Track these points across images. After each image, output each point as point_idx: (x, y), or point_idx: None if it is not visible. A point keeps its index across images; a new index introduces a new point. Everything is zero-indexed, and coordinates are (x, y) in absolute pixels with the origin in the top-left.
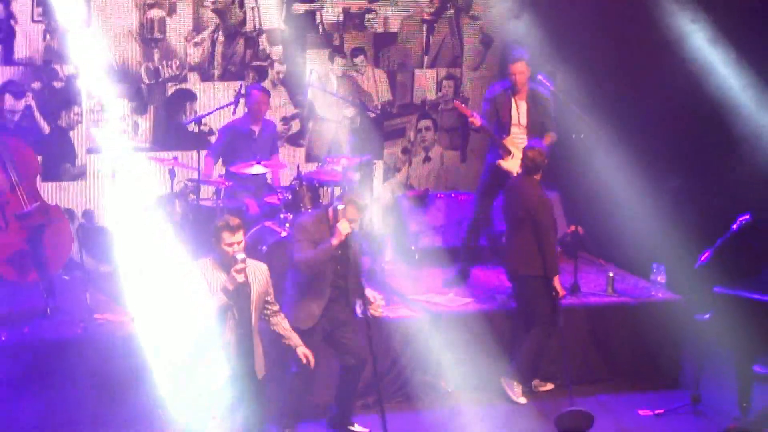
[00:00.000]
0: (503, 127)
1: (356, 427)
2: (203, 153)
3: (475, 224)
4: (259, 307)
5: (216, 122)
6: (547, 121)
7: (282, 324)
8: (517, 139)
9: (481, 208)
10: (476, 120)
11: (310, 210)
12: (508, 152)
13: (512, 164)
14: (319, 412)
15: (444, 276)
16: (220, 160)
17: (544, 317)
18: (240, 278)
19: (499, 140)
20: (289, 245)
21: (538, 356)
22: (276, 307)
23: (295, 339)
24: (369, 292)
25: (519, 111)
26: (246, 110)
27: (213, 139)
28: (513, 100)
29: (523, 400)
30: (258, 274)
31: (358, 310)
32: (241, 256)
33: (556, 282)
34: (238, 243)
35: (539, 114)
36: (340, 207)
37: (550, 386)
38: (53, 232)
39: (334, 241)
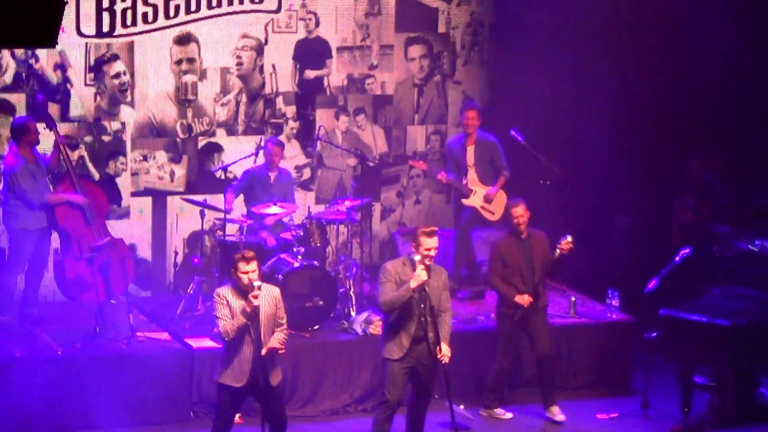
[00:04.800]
0: (461, 169)
1: None
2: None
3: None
4: (269, 324)
5: (239, 170)
6: (498, 163)
7: (278, 336)
8: (472, 176)
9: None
10: (442, 176)
11: (319, 244)
12: (471, 191)
13: (474, 200)
14: None
15: None
16: (243, 202)
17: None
18: (256, 302)
19: (461, 184)
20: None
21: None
22: (282, 323)
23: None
24: (370, 314)
25: (468, 154)
26: (264, 159)
27: None
28: (465, 146)
29: (508, 415)
30: (268, 297)
31: (359, 329)
32: (257, 283)
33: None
34: (252, 272)
35: (486, 156)
36: (417, 258)
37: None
38: (119, 263)
39: (413, 284)
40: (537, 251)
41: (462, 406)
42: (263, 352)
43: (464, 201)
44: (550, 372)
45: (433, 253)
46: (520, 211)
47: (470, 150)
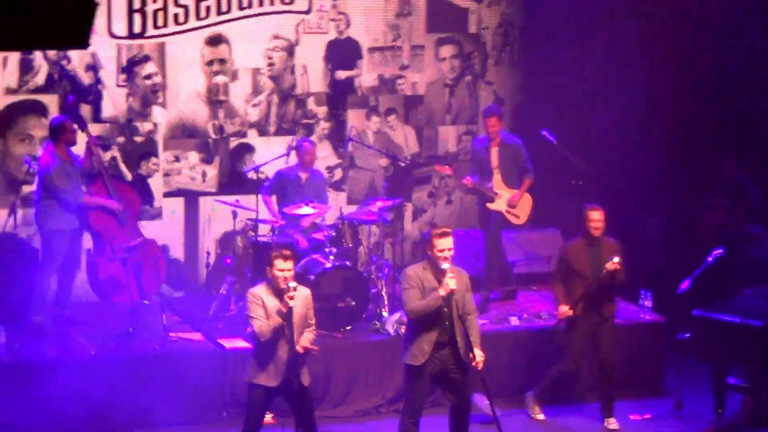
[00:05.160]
0: (485, 171)
1: None
2: (260, 196)
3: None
4: (300, 325)
5: (271, 170)
6: (521, 164)
7: (308, 336)
8: (496, 179)
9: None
10: (468, 181)
11: (351, 245)
12: (496, 195)
13: (499, 204)
14: None
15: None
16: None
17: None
18: (292, 303)
19: (486, 188)
20: (400, 292)
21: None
22: (312, 323)
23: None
24: (402, 315)
25: (492, 157)
26: (297, 160)
27: None
28: (489, 149)
29: (541, 416)
30: (301, 298)
31: (391, 330)
32: (293, 284)
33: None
34: (288, 270)
35: (510, 158)
36: (446, 266)
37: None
38: (151, 263)
39: (442, 293)
40: (606, 260)
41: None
42: (299, 350)
43: (489, 205)
44: (608, 383)
45: (447, 254)
46: (598, 217)
47: (494, 152)
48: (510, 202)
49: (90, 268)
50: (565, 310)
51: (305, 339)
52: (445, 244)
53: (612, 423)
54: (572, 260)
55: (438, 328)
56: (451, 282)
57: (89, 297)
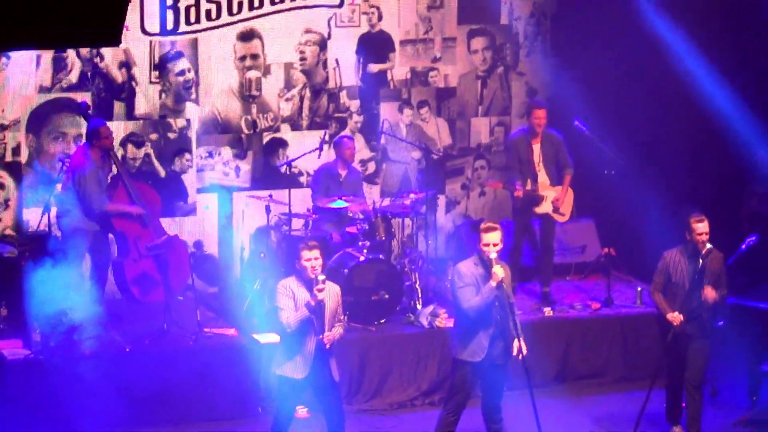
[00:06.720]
0: (525, 166)
1: None
2: (293, 191)
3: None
4: (330, 321)
5: (304, 165)
6: (563, 160)
7: (338, 330)
8: (542, 180)
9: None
10: (519, 192)
11: (384, 238)
12: (542, 198)
13: (545, 207)
14: None
15: None
16: (310, 196)
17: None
18: (321, 296)
19: (534, 192)
20: (453, 291)
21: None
22: (342, 318)
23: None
24: (436, 307)
25: (535, 153)
26: (335, 155)
27: (302, 179)
28: (530, 142)
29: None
30: (332, 293)
31: (425, 322)
32: (321, 277)
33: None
34: (315, 259)
35: (552, 153)
36: (493, 256)
37: None
38: (177, 260)
39: (493, 283)
40: (710, 271)
41: None
42: (327, 344)
43: (536, 210)
44: (695, 402)
45: (492, 248)
46: (703, 228)
47: (536, 147)
48: (555, 204)
49: (116, 270)
50: (677, 316)
51: (335, 332)
52: (491, 239)
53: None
54: (672, 271)
55: (494, 321)
56: (498, 270)
57: (122, 295)
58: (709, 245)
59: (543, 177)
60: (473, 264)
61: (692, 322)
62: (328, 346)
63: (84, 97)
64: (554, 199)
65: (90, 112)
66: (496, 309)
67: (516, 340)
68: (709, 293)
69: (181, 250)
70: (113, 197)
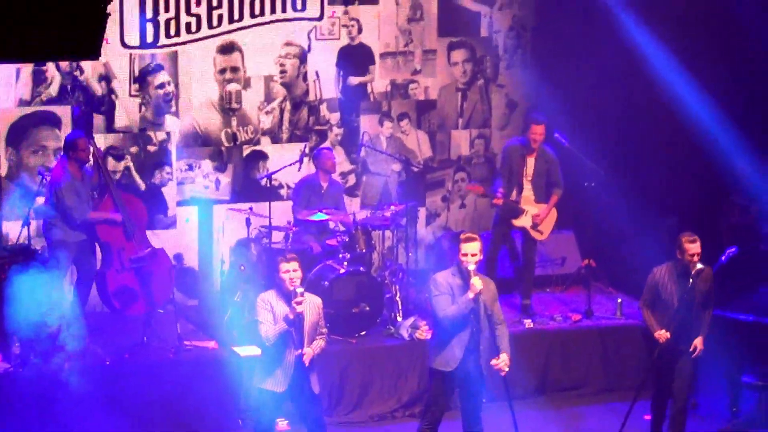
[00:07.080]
0: (514, 177)
1: None
2: (273, 204)
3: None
4: (311, 333)
5: (284, 178)
6: (554, 178)
7: (319, 344)
8: (527, 194)
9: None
10: (499, 200)
11: (364, 250)
12: (523, 211)
13: (524, 221)
14: None
15: None
16: (291, 209)
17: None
18: (300, 308)
19: (516, 204)
20: (429, 299)
21: None
22: (324, 331)
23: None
24: (416, 319)
25: (528, 166)
26: (315, 168)
27: (283, 192)
28: (525, 155)
29: None
30: (312, 306)
31: (405, 334)
32: (300, 289)
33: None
34: (294, 271)
35: (544, 170)
36: (471, 267)
37: None
38: (160, 273)
39: (471, 295)
40: (699, 289)
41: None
42: (305, 361)
43: (515, 222)
44: (679, 419)
45: (470, 258)
46: (695, 249)
47: (530, 161)
48: (535, 220)
49: (99, 281)
50: (664, 333)
51: (315, 346)
52: (470, 249)
53: None
54: (660, 288)
55: (468, 333)
56: (477, 282)
57: (103, 307)
58: (700, 265)
59: (528, 191)
60: (451, 274)
61: (679, 339)
62: (307, 363)
63: (63, 111)
64: (534, 215)
65: (84, 119)
66: (472, 321)
67: (503, 354)
68: (699, 344)
69: (165, 263)
70: (98, 206)
